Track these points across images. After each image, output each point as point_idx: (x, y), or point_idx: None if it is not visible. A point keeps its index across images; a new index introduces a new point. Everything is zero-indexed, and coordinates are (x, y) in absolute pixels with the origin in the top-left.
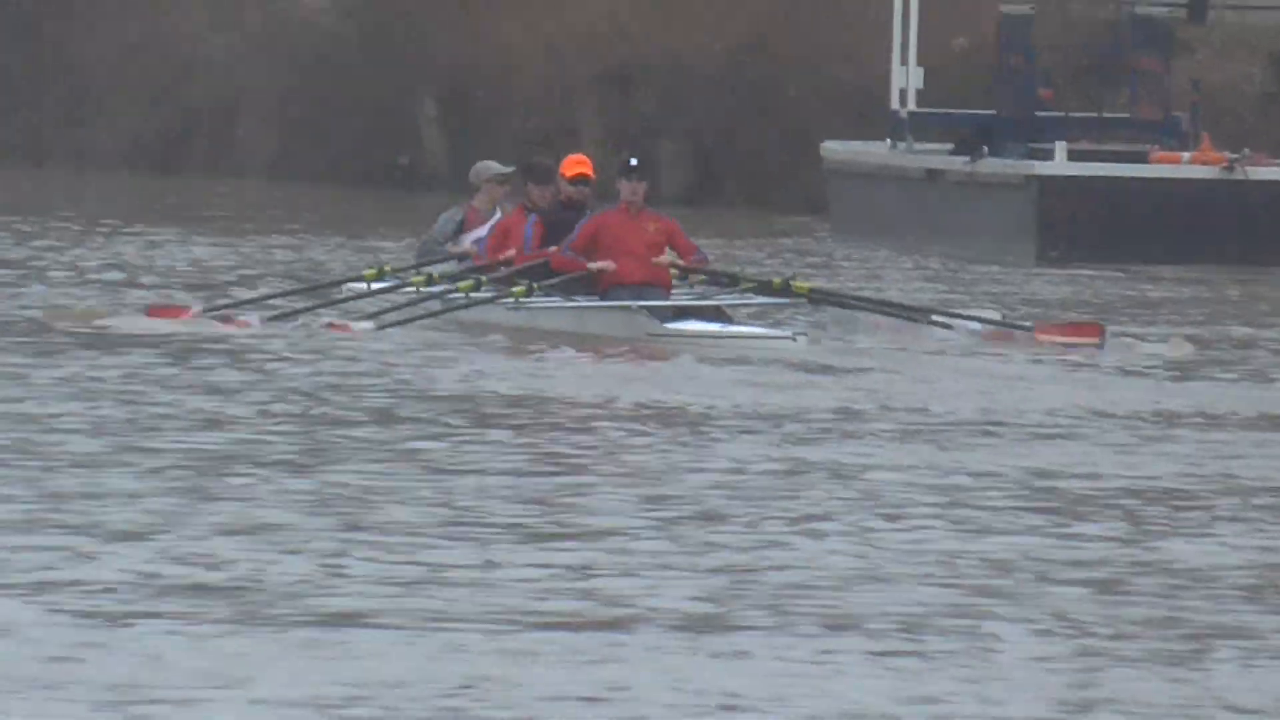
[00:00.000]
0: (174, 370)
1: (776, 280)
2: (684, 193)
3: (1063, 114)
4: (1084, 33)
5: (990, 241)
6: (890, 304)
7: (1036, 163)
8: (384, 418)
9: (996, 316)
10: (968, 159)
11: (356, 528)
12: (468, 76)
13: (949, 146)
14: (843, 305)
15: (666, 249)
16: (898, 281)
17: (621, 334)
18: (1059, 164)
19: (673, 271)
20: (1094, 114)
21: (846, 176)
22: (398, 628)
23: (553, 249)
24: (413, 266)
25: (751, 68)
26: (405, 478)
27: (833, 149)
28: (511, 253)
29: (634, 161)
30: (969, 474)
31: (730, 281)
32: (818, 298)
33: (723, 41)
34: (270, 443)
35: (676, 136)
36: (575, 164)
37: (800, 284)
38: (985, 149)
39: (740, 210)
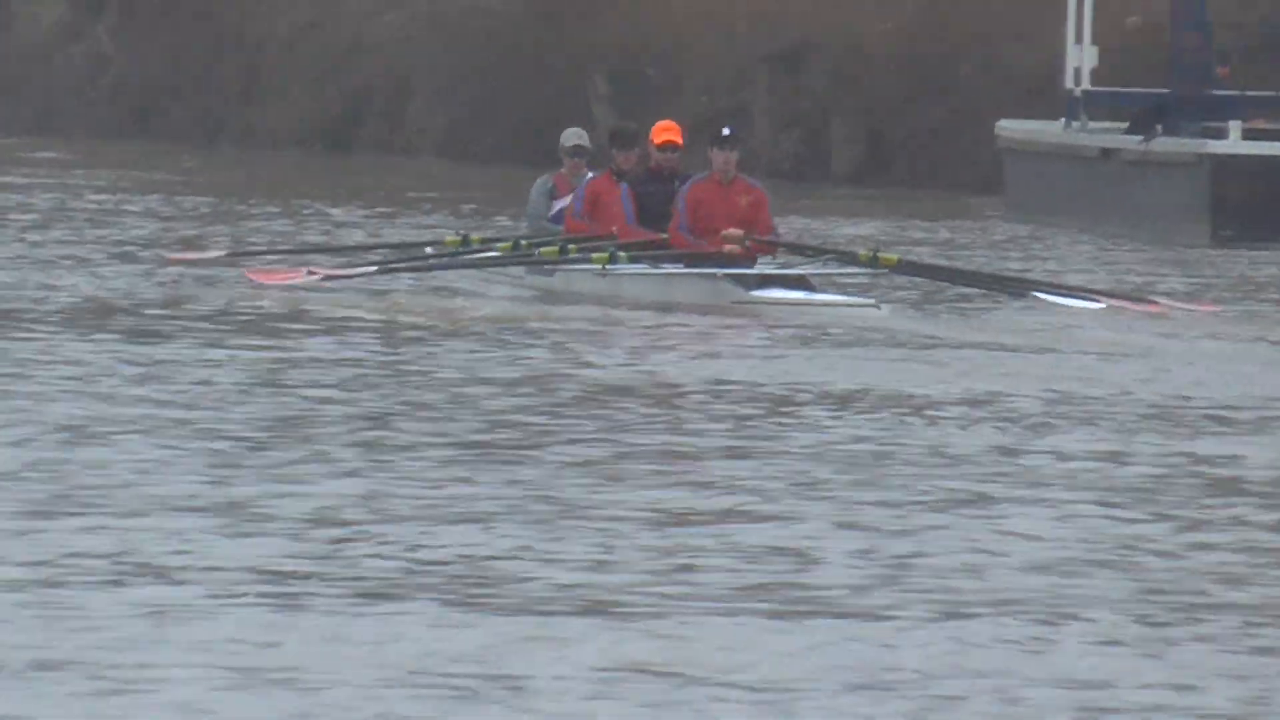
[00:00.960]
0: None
1: (864, 252)
2: (853, 172)
3: (1239, 92)
4: (1261, 9)
5: (1163, 221)
6: (982, 275)
7: (1211, 141)
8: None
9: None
10: (1141, 138)
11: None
12: (639, 54)
13: (1123, 125)
14: (932, 277)
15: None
16: (1072, 261)
17: (707, 301)
18: (1233, 143)
19: (757, 248)
20: (1271, 92)
21: (1021, 155)
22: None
23: (663, 234)
24: (497, 237)
25: (924, 46)
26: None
27: (1007, 128)
28: (615, 229)
29: (726, 131)
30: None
31: (815, 253)
32: (905, 269)
33: (895, 20)
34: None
35: (847, 115)
36: (664, 130)
37: (887, 256)
38: (1159, 128)
39: (910, 189)
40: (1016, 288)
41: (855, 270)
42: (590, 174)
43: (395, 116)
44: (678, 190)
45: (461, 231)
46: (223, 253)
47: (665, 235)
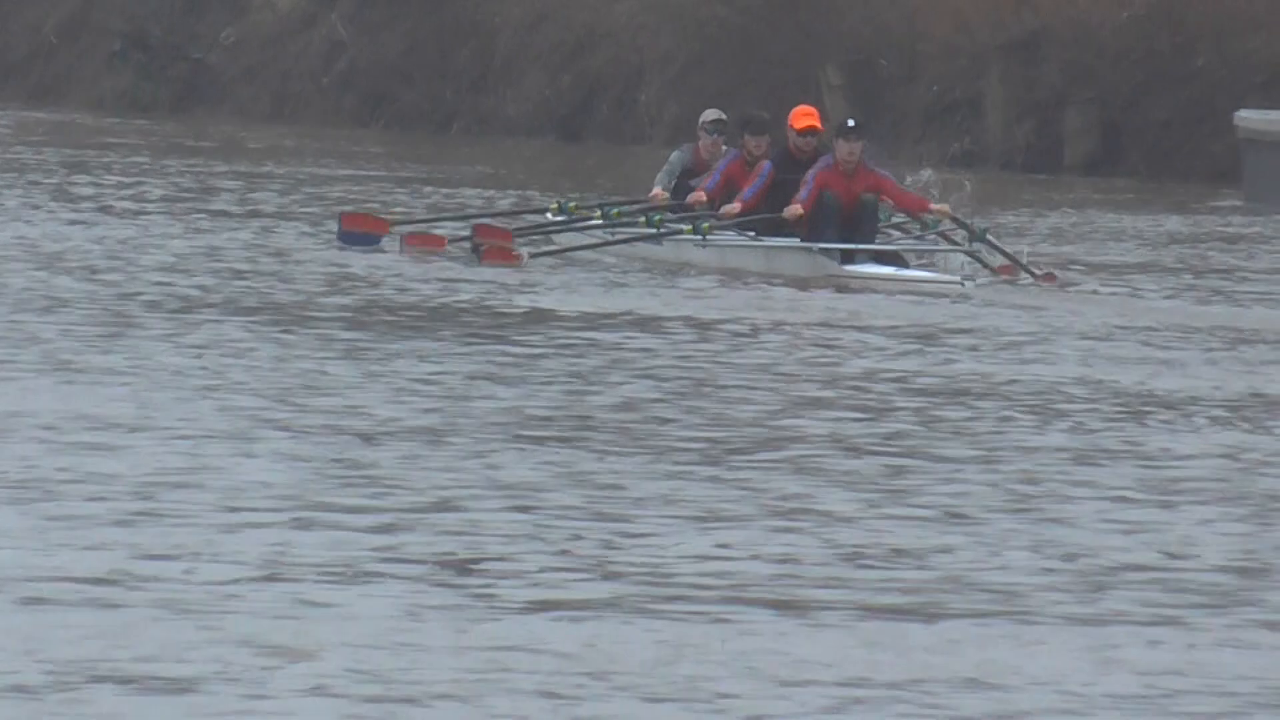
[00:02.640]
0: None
1: (977, 224)
2: (1088, 162)
3: None
4: None
5: None
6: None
7: None
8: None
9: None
10: None
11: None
12: (872, 44)
13: None
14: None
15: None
16: None
17: (802, 273)
18: None
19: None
20: None
21: (1262, 145)
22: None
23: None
24: (597, 205)
25: (1159, 36)
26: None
27: (1248, 118)
28: (735, 206)
29: (851, 123)
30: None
31: (923, 228)
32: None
33: (1130, 9)
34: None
35: (1082, 105)
36: (804, 115)
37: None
38: None
39: (1146, 180)
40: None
41: (950, 249)
42: (729, 151)
43: (627, 105)
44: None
45: (558, 199)
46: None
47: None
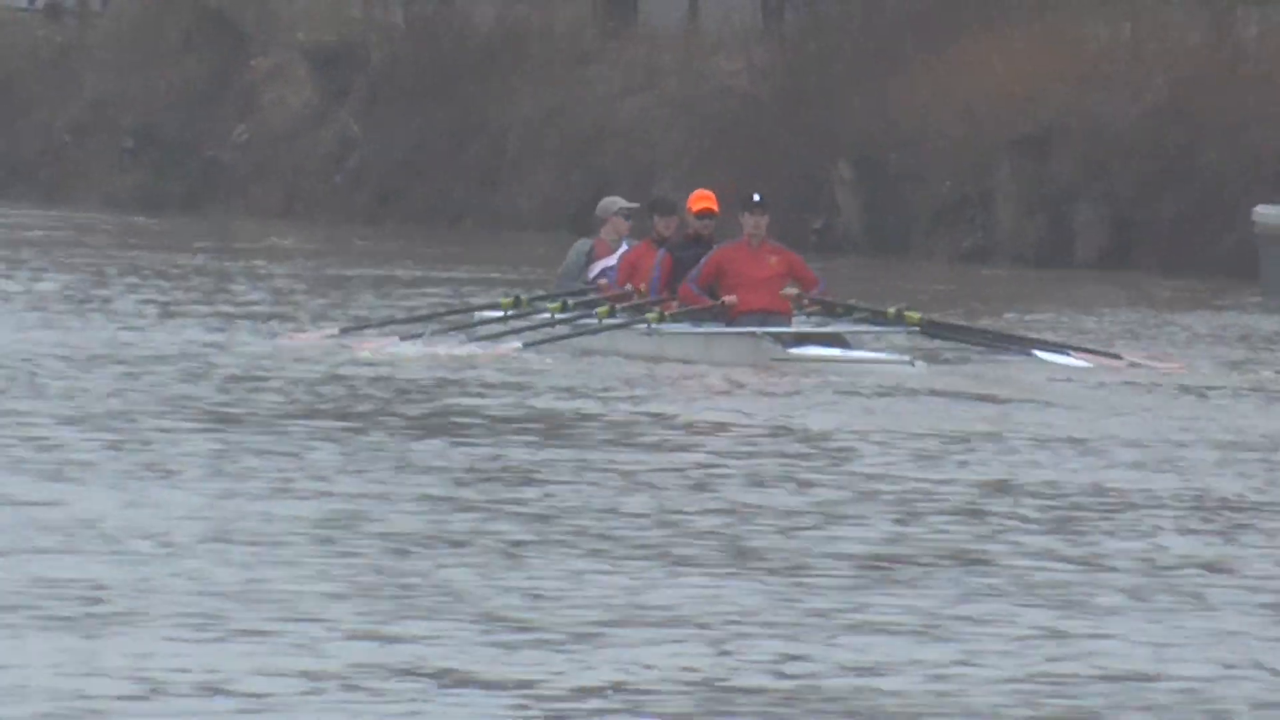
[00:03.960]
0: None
1: (890, 310)
2: (1100, 258)
3: None
4: None
5: None
6: (1002, 335)
7: None
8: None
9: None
10: None
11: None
12: (882, 140)
13: None
14: (956, 338)
15: (790, 282)
16: None
17: (746, 360)
18: None
19: (792, 301)
20: None
21: None
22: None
23: (679, 284)
24: (546, 296)
25: (1170, 131)
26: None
27: (1266, 214)
28: (643, 287)
29: (757, 197)
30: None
31: (845, 311)
32: (930, 329)
33: (1140, 105)
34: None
35: (1093, 200)
36: (701, 199)
37: (911, 314)
38: None
39: (1158, 276)
40: (1019, 346)
41: (881, 329)
42: (628, 239)
43: (640, 200)
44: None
45: (513, 293)
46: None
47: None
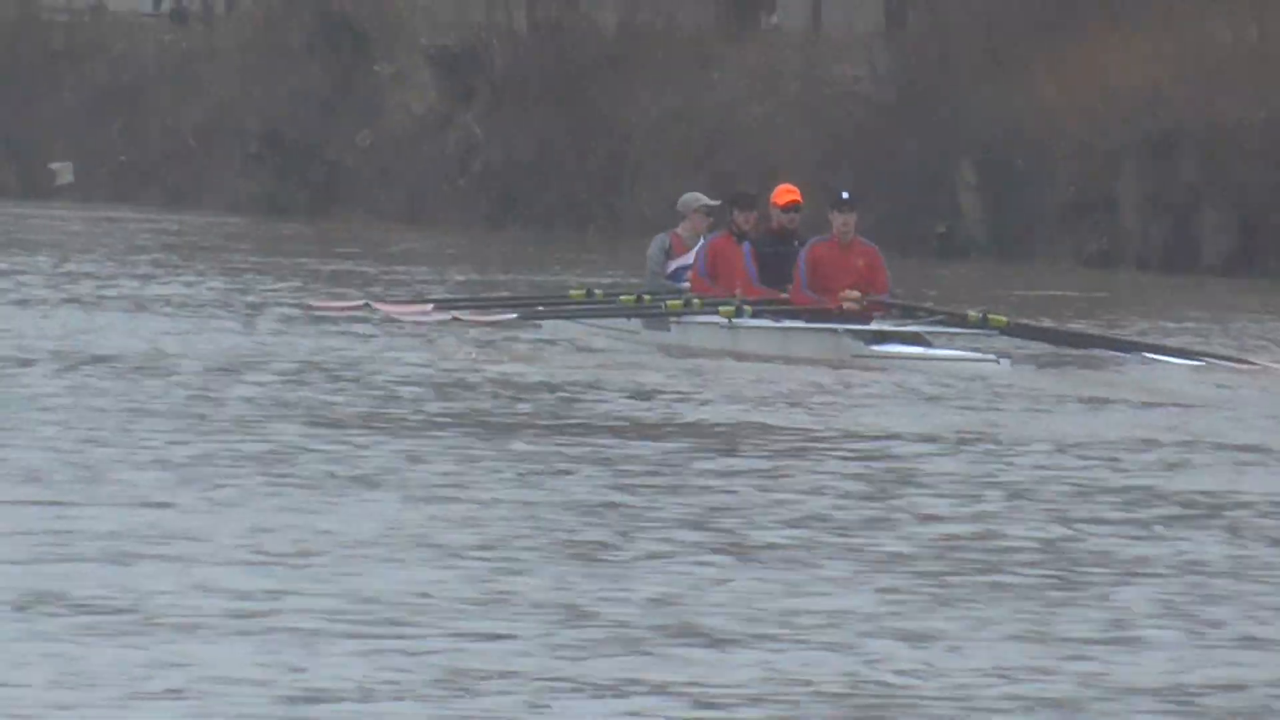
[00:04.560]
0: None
1: (972, 314)
2: (1224, 263)
3: None
4: None
5: None
6: (1094, 336)
7: None
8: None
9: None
10: None
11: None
12: (1006, 142)
13: None
14: (1045, 339)
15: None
16: None
17: (827, 356)
18: None
19: (858, 305)
20: None
21: None
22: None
23: (788, 289)
24: (620, 292)
25: None
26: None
27: None
28: (737, 291)
29: (845, 195)
30: None
31: (926, 314)
32: (1015, 330)
33: (1267, 109)
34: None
35: (1219, 205)
36: (787, 192)
37: (997, 318)
38: None
39: None
40: (1125, 348)
41: (966, 330)
42: (708, 233)
43: (761, 204)
44: (798, 251)
45: (586, 285)
46: (361, 301)
47: (786, 294)
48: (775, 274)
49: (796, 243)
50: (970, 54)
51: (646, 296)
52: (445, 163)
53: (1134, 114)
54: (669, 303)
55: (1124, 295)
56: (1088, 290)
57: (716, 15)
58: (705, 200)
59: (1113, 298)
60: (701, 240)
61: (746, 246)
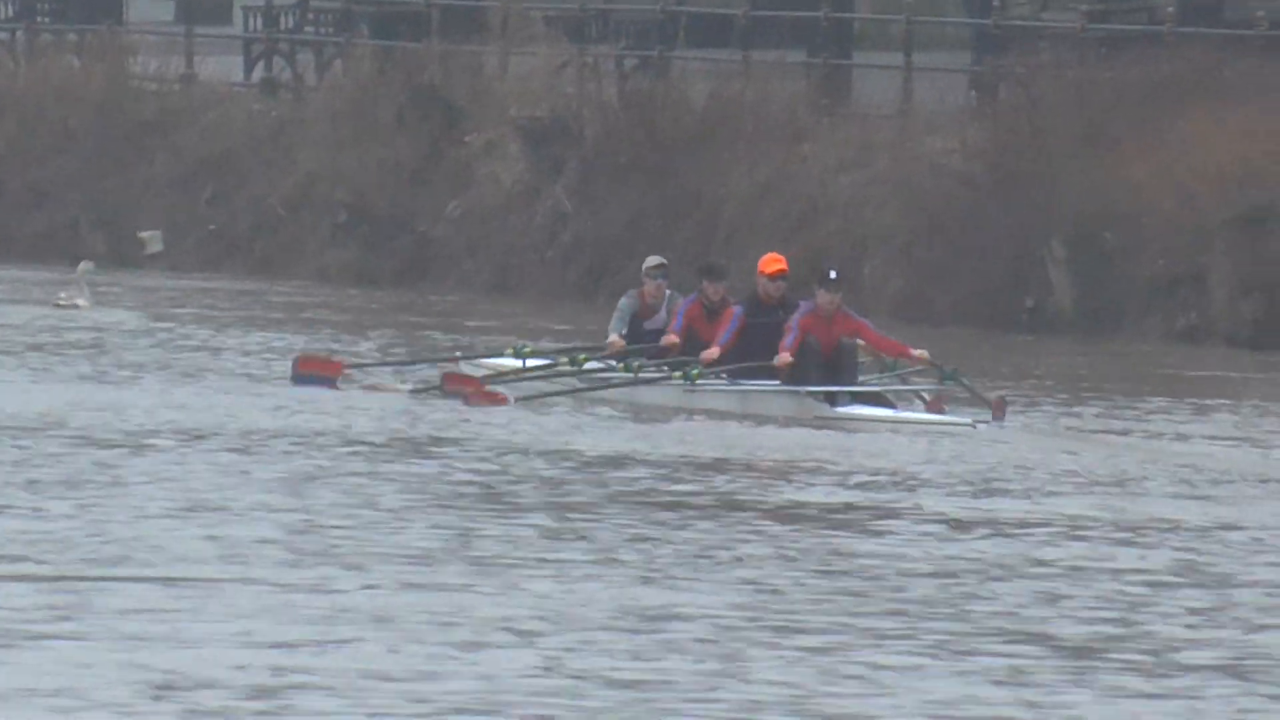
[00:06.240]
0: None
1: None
2: None
3: None
4: None
5: None
6: None
7: None
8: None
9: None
10: None
11: None
12: (1096, 218)
13: None
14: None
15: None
16: None
17: (794, 415)
18: None
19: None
20: None
21: None
22: None
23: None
24: (560, 349)
25: None
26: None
27: None
28: (714, 351)
29: (833, 274)
30: None
31: (881, 369)
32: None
33: None
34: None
35: None
36: (773, 261)
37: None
38: None
39: None
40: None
41: (929, 385)
42: (671, 293)
43: (853, 277)
44: (783, 319)
45: (513, 345)
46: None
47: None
48: (759, 340)
49: (781, 312)
50: (1062, 129)
51: (582, 358)
52: (534, 234)
53: (1225, 190)
54: (619, 367)
55: (1206, 373)
56: (1179, 366)
57: (807, 89)
58: (652, 262)
59: (1196, 375)
60: (666, 298)
61: (738, 309)
